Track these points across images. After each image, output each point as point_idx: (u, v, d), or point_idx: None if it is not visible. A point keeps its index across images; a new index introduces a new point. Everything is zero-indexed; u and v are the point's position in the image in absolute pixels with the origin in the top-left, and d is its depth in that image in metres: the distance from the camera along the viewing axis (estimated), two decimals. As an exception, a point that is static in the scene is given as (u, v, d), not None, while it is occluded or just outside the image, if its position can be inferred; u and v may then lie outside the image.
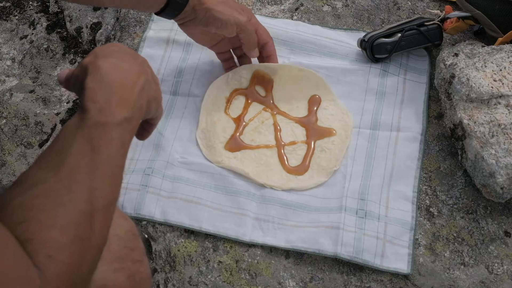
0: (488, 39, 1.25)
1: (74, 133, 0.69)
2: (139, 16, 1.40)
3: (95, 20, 1.44)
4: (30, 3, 1.51)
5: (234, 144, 1.20)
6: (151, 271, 1.09)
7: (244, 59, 1.26)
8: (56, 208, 0.62)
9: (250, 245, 1.11)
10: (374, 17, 1.37)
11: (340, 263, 1.09)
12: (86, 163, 0.67)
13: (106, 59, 0.76)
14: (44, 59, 1.42)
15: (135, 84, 0.77)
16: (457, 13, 1.27)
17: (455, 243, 1.10)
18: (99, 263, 0.67)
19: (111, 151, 0.70)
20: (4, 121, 1.31)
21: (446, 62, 1.18)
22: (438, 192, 1.15)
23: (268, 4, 1.41)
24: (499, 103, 1.09)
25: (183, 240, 1.12)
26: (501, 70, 1.12)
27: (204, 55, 1.30)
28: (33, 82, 1.37)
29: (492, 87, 1.09)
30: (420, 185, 1.15)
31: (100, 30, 1.42)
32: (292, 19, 1.38)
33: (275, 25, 1.32)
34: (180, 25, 1.15)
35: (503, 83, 1.10)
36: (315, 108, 1.23)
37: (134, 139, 0.95)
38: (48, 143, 1.28)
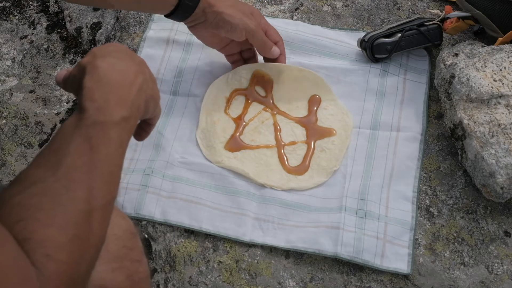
0: (488, 39, 1.25)
1: (72, 132, 0.69)
2: (139, 16, 1.40)
3: (95, 20, 1.44)
4: (30, 3, 1.51)
5: (234, 144, 1.20)
6: (151, 271, 1.09)
7: (252, 62, 1.27)
8: (54, 207, 0.62)
9: (250, 245, 1.11)
10: (374, 17, 1.37)
11: (340, 263, 1.09)
12: (84, 162, 0.67)
13: (104, 59, 0.76)
14: (44, 59, 1.42)
15: (133, 83, 0.77)
16: (457, 13, 1.27)
17: (455, 243, 1.10)
18: (97, 263, 0.67)
19: (110, 150, 0.70)
20: (4, 121, 1.31)
21: (446, 62, 1.18)
22: (438, 192, 1.15)
23: (268, 4, 1.41)
24: (499, 103, 1.09)
25: (183, 240, 1.12)
26: (501, 70, 1.11)
27: (204, 55, 1.30)
28: (33, 82, 1.38)
29: (492, 87, 1.09)
30: (420, 185, 1.15)
31: (100, 30, 1.42)
32: (292, 19, 1.38)
33: (275, 25, 1.31)
34: (190, 27, 1.16)
35: (503, 83, 1.10)
36: (315, 108, 1.23)
37: (133, 140, 0.96)
38: (48, 143, 1.28)
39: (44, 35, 1.45)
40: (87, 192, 0.65)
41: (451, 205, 1.13)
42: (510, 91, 1.09)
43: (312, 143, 1.20)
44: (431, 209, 1.13)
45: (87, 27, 1.43)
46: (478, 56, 1.15)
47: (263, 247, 1.11)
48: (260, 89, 1.25)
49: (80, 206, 0.64)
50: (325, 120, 1.22)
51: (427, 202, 1.14)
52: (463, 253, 1.09)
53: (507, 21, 1.19)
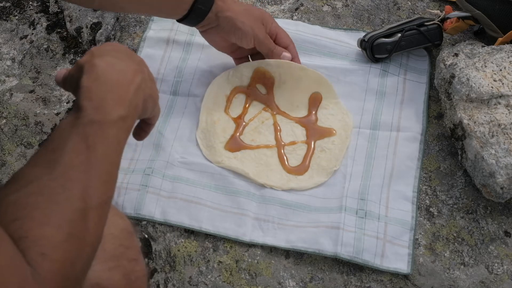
0: (488, 39, 1.25)
1: (70, 131, 0.69)
2: (139, 16, 1.40)
3: (95, 20, 1.44)
4: (30, 3, 1.52)
5: (234, 144, 1.20)
6: (151, 271, 1.09)
7: None
8: (51, 206, 0.62)
9: (250, 245, 1.11)
10: (374, 17, 1.37)
11: (340, 263, 1.09)
12: (81, 161, 0.67)
13: (102, 58, 0.76)
14: (44, 59, 1.42)
15: (131, 82, 0.77)
16: (457, 13, 1.27)
17: (455, 243, 1.10)
18: (93, 262, 0.67)
19: (107, 150, 0.70)
20: (4, 121, 1.31)
21: (446, 62, 1.18)
22: (438, 192, 1.15)
23: (268, 4, 1.41)
24: (499, 103, 1.09)
25: (183, 240, 1.12)
26: (501, 70, 1.11)
27: (204, 55, 1.31)
28: (33, 82, 1.38)
29: (492, 87, 1.09)
30: (420, 185, 1.15)
31: (100, 30, 1.42)
32: (292, 19, 1.38)
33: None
34: (202, 32, 1.17)
35: (503, 83, 1.10)
36: (315, 108, 1.23)
37: (134, 140, 0.96)
38: (47, 143, 1.28)
39: (44, 35, 1.45)
40: (83, 191, 0.65)
41: (451, 205, 1.13)
42: (510, 91, 1.09)
43: (312, 143, 1.20)
44: (431, 209, 1.13)
45: (87, 27, 1.43)
46: (478, 56, 1.15)
47: (263, 247, 1.11)
48: (261, 87, 1.25)
49: (76, 205, 0.64)
50: (325, 120, 1.22)
51: (427, 202, 1.14)
52: (463, 253, 1.09)
53: (507, 21, 1.19)
